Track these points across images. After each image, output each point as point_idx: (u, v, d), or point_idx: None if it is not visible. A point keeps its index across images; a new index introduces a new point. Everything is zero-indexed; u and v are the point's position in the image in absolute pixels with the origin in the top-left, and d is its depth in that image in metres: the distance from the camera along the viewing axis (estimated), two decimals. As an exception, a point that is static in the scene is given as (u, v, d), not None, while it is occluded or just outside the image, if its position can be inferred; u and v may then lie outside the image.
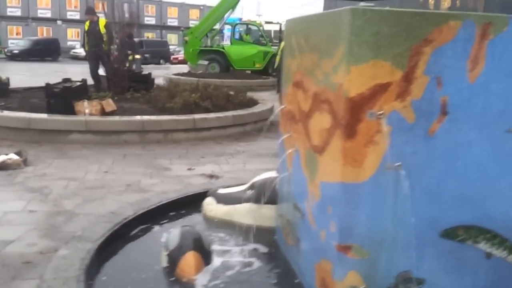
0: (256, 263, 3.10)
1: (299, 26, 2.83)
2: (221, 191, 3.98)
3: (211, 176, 4.95)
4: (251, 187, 3.85)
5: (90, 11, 10.21)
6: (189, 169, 5.27)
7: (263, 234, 3.54)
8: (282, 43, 8.47)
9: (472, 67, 2.20)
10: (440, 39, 2.15)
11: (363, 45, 2.11)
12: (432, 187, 2.28)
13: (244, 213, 3.76)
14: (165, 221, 3.70)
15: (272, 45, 20.82)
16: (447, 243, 2.35)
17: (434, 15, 2.15)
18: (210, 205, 3.91)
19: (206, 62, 18.49)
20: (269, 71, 18.80)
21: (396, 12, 2.12)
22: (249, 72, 19.40)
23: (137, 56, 12.74)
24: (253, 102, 8.88)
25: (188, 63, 20.00)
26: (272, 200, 3.68)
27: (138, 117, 6.78)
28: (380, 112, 2.17)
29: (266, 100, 9.56)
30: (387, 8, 2.13)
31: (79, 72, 12.90)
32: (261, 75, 18.61)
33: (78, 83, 7.04)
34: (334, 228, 2.30)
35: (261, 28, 22.43)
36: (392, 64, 2.14)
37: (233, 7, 18.83)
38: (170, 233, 3.06)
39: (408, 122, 2.21)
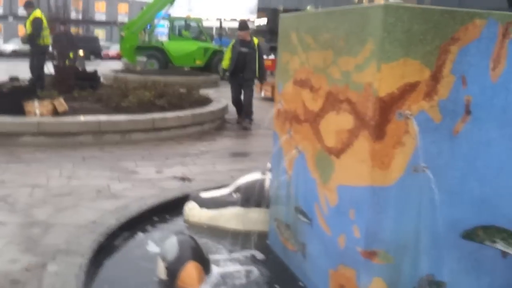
0: (256, 271, 2.95)
1: (303, 23, 2.71)
2: (204, 194, 3.78)
3: (183, 179, 4.73)
4: (237, 190, 3.69)
5: (28, 5, 9.56)
6: (158, 171, 5.01)
7: (253, 239, 3.39)
8: (233, 41, 8.29)
9: (494, 66, 2.18)
10: (466, 38, 2.11)
11: (395, 42, 2.02)
12: (454, 188, 2.24)
13: (231, 218, 3.61)
14: (150, 227, 3.47)
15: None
16: (467, 244, 2.32)
17: (461, 14, 2.10)
18: (193, 210, 3.71)
19: (144, 59, 17.89)
20: (220, 71, 18.46)
21: (426, 10, 2.05)
22: (188, 69, 19.00)
23: (81, 53, 12.09)
24: (207, 100, 8.66)
25: (124, 59, 19.28)
26: (260, 203, 3.55)
27: (94, 118, 6.38)
28: (409, 113, 2.09)
29: (215, 97, 9.33)
30: (418, 5, 2.05)
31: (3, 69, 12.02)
32: (201, 71, 18.27)
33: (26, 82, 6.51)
34: (359, 234, 2.20)
35: (200, 24, 22.06)
36: (421, 63, 2.08)
37: (171, 1, 18.33)
38: (165, 243, 2.84)
39: (435, 122, 2.15)
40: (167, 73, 15.36)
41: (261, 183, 3.62)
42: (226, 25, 34.65)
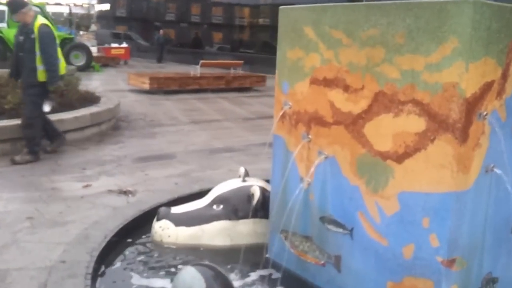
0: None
1: (328, 17, 2.55)
2: (176, 210, 3.43)
3: (125, 192, 4.24)
4: (217, 201, 3.41)
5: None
6: (85, 186, 4.42)
7: (247, 254, 3.19)
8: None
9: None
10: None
11: (479, 41, 2.00)
12: (510, 185, 2.32)
13: (216, 234, 3.35)
14: (125, 257, 3.06)
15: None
16: (516, 238, 2.44)
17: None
18: (167, 230, 3.35)
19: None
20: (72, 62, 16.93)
21: (501, 7, 2.06)
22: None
23: None
24: (95, 97, 7.90)
25: None
26: (249, 213, 3.35)
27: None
28: (487, 113, 2.10)
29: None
30: (494, 2, 2.05)
31: None
32: None
33: None
34: (438, 242, 2.16)
35: (44, 8, 20.06)
36: (496, 62, 2.09)
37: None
38: (183, 278, 2.49)
39: (502, 120, 2.20)
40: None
41: (246, 190, 3.40)
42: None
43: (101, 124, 6.90)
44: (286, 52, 2.86)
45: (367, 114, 2.39)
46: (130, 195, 4.15)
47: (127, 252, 3.19)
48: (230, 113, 9.60)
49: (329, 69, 2.58)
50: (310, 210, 2.80)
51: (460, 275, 2.22)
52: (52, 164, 5.15)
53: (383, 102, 2.31)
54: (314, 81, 2.68)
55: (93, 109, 6.86)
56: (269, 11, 30.33)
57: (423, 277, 2.24)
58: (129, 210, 3.64)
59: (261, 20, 31.25)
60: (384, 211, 2.36)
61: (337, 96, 2.55)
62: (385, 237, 2.38)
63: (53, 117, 6.02)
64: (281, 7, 2.88)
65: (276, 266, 3.03)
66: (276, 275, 2.94)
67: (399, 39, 2.21)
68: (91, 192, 4.22)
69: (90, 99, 7.60)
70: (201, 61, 13.94)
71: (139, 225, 3.54)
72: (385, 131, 2.31)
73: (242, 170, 3.70)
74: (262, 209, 3.33)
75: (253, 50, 29.15)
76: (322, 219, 2.72)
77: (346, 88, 2.49)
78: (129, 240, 3.39)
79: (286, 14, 2.84)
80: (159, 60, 24.74)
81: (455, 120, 2.04)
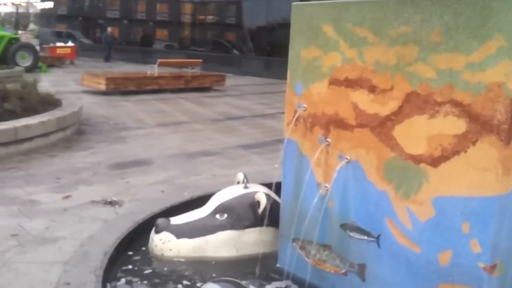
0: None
1: (351, 14, 2.46)
2: (176, 221, 3.26)
3: (110, 203, 4.00)
4: (220, 210, 3.26)
5: None
6: (66, 197, 4.16)
7: (255, 265, 3.07)
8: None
9: None
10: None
11: (524, 39, 1.96)
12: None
13: (221, 245, 3.20)
14: (130, 271, 2.89)
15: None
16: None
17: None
18: (168, 243, 3.17)
19: None
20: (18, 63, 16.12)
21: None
22: None
23: None
24: (55, 100, 7.51)
25: None
26: (255, 222, 3.22)
27: None
28: (526, 113, 2.06)
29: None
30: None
31: None
32: None
33: None
34: (479, 248, 2.12)
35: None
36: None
37: None
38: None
39: (537, 120, 2.17)
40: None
41: (250, 198, 3.26)
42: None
43: (66, 129, 6.57)
44: (299, 51, 2.75)
45: (397, 115, 2.32)
46: (116, 206, 3.92)
47: (129, 266, 2.99)
48: (196, 114, 9.40)
49: (351, 69, 2.49)
50: (328, 217, 2.70)
51: (499, 280, 2.19)
52: (23, 174, 4.82)
53: (416, 103, 2.24)
54: (333, 82, 2.59)
55: (57, 113, 6.50)
56: (217, 8, 30.17)
57: (462, 284, 2.18)
58: (122, 222, 3.43)
59: (209, 18, 31.03)
60: (416, 217, 2.30)
61: (361, 97, 2.46)
62: (417, 244, 2.31)
63: (18, 122, 5.66)
64: (294, 3, 2.77)
65: (288, 276, 2.92)
66: (294, 287, 2.82)
67: (436, 37, 2.14)
68: (73, 204, 3.96)
69: (51, 102, 7.22)
70: (159, 60, 13.61)
71: (134, 237, 3.35)
72: (418, 133, 2.25)
73: (241, 176, 3.56)
74: (268, 217, 3.20)
75: (205, 48, 28.91)
76: (344, 226, 2.63)
77: (372, 89, 2.41)
78: (130, 253, 3.20)
79: (300, 11, 2.73)
80: (107, 59, 24.06)
81: (501, 122, 1.99)
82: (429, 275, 2.29)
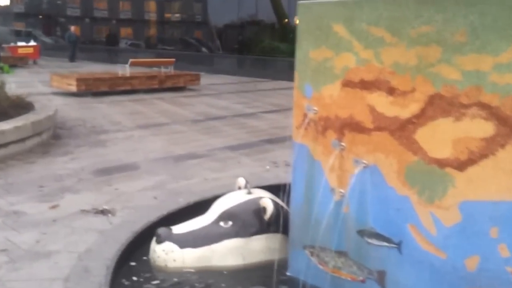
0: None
1: (365, 12, 2.40)
2: (178, 230, 3.14)
3: (101, 212, 3.86)
4: (223, 217, 3.17)
5: None
6: (52, 207, 3.98)
7: (262, 273, 3.00)
8: None
9: None
10: None
11: (555, 38, 1.93)
12: None
13: (228, 253, 3.11)
14: (136, 283, 2.77)
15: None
16: None
17: None
18: (172, 253, 3.05)
19: None
20: None
21: None
22: None
23: None
24: (26, 102, 7.24)
25: None
26: (262, 228, 3.14)
27: None
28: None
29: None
30: None
31: None
32: None
33: None
34: (508, 253, 2.09)
35: None
36: None
37: None
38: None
39: None
40: None
41: (255, 204, 3.18)
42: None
43: (42, 133, 6.34)
44: (308, 52, 2.67)
45: (419, 118, 2.27)
46: (109, 215, 3.77)
47: (134, 278, 2.88)
48: (175, 115, 9.23)
49: (367, 70, 2.43)
50: (344, 223, 2.64)
51: (525, 284, 2.16)
52: (2, 183, 4.60)
53: (440, 106, 2.19)
54: (347, 84, 2.52)
55: (32, 117, 6.27)
56: (183, 5, 29.88)
57: (490, 290, 2.15)
58: (120, 233, 3.29)
59: (175, 15, 30.75)
60: (441, 222, 2.25)
61: (379, 100, 2.40)
62: (443, 249, 2.27)
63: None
64: (300, 2, 2.69)
65: (300, 285, 2.85)
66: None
67: (460, 37, 2.10)
68: (62, 214, 3.79)
69: (23, 105, 6.97)
70: (131, 60, 13.37)
71: (133, 247, 3.22)
72: (443, 136, 2.20)
73: (242, 181, 3.47)
74: (274, 223, 3.13)
75: (173, 47, 28.60)
76: (361, 232, 2.57)
77: (390, 91, 2.35)
78: (132, 263, 3.08)
79: (307, 10, 2.65)
80: (72, 58, 23.53)
81: (534, 123, 1.96)
82: (455, 281, 2.25)
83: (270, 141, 6.84)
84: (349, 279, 2.68)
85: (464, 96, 2.11)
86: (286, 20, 25.64)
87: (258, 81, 16.77)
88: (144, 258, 3.15)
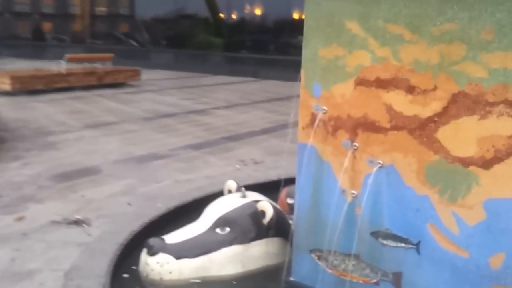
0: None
1: (381, 9, 2.34)
2: (171, 240, 2.96)
3: (75, 222, 3.58)
4: (219, 224, 3.02)
5: None
6: (19, 218, 3.66)
7: (261, 280, 2.91)
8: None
9: None
10: None
11: None
12: None
13: (227, 261, 2.98)
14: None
15: None
16: None
17: None
18: (167, 265, 2.87)
19: None
20: None
21: None
22: None
23: None
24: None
25: None
26: (260, 234, 3.03)
27: None
28: None
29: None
30: None
31: None
32: None
33: None
34: (536, 249, 2.11)
35: None
36: None
37: None
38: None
39: None
40: None
41: (252, 208, 3.06)
42: None
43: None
44: (317, 50, 2.58)
45: (441, 117, 2.24)
46: (84, 225, 3.51)
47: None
48: (122, 113, 8.86)
49: (384, 69, 2.37)
50: (356, 226, 2.58)
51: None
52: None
53: (464, 104, 2.17)
54: (361, 82, 2.46)
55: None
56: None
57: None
58: (104, 245, 3.07)
59: (101, 9, 29.79)
60: (464, 221, 2.24)
61: (397, 98, 2.35)
62: (465, 248, 2.26)
63: None
64: (311, -3, 2.59)
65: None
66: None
67: (487, 35, 2.08)
68: (31, 227, 3.49)
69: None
70: (67, 56, 12.68)
71: (120, 259, 3.01)
72: (467, 135, 2.19)
73: (232, 184, 3.33)
74: (273, 227, 3.03)
75: (101, 41, 27.65)
76: (375, 234, 2.53)
77: (410, 89, 2.31)
78: (125, 275, 2.88)
79: (316, 6, 2.55)
80: None
81: None
82: (478, 280, 2.25)
83: (230, 139, 6.70)
84: (361, 282, 2.63)
85: (491, 94, 2.10)
86: (221, 14, 25.46)
87: (198, 76, 16.50)
88: (134, 267, 2.95)
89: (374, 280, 2.59)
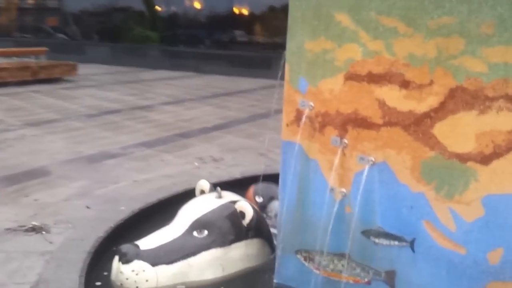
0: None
1: (377, 2, 2.24)
2: (146, 246, 2.74)
3: (32, 229, 3.26)
4: (196, 226, 2.84)
5: None
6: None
7: (244, 283, 2.77)
8: None
9: None
10: None
11: None
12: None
13: (206, 265, 2.81)
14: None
15: None
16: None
17: None
18: (143, 273, 2.66)
19: None
20: None
21: None
22: None
23: None
24: None
25: None
26: (241, 235, 2.89)
27: None
28: None
29: None
30: None
31: None
32: None
33: None
34: (534, 244, 2.09)
35: None
36: None
37: None
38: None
39: None
40: None
41: (230, 209, 2.90)
42: None
43: None
44: (303, 43, 2.45)
45: (438, 112, 2.17)
46: (43, 232, 3.21)
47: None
48: (63, 110, 8.36)
49: (377, 63, 2.28)
50: (345, 225, 2.48)
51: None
52: None
53: (462, 99, 2.11)
54: (352, 77, 2.35)
55: None
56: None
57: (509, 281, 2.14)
58: (71, 254, 2.80)
59: (27, 1, 28.41)
60: (462, 217, 2.19)
61: (390, 94, 2.27)
62: (463, 245, 2.21)
63: None
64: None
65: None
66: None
67: (487, 29, 2.03)
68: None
69: None
70: (-3, 49, 11.87)
71: (90, 268, 2.76)
72: (465, 130, 2.13)
73: (205, 184, 3.15)
74: (253, 228, 2.88)
75: (30, 35, 26.33)
76: (367, 232, 2.44)
77: (404, 84, 2.23)
78: (97, 283, 2.64)
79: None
80: None
81: None
82: (476, 275, 2.21)
83: (183, 136, 6.46)
84: (351, 281, 2.54)
85: (490, 88, 2.05)
86: (157, 8, 24.84)
87: (137, 71, 15.96)
88: (105, 273, 2.71)
89: (366, 280, 2.50)
